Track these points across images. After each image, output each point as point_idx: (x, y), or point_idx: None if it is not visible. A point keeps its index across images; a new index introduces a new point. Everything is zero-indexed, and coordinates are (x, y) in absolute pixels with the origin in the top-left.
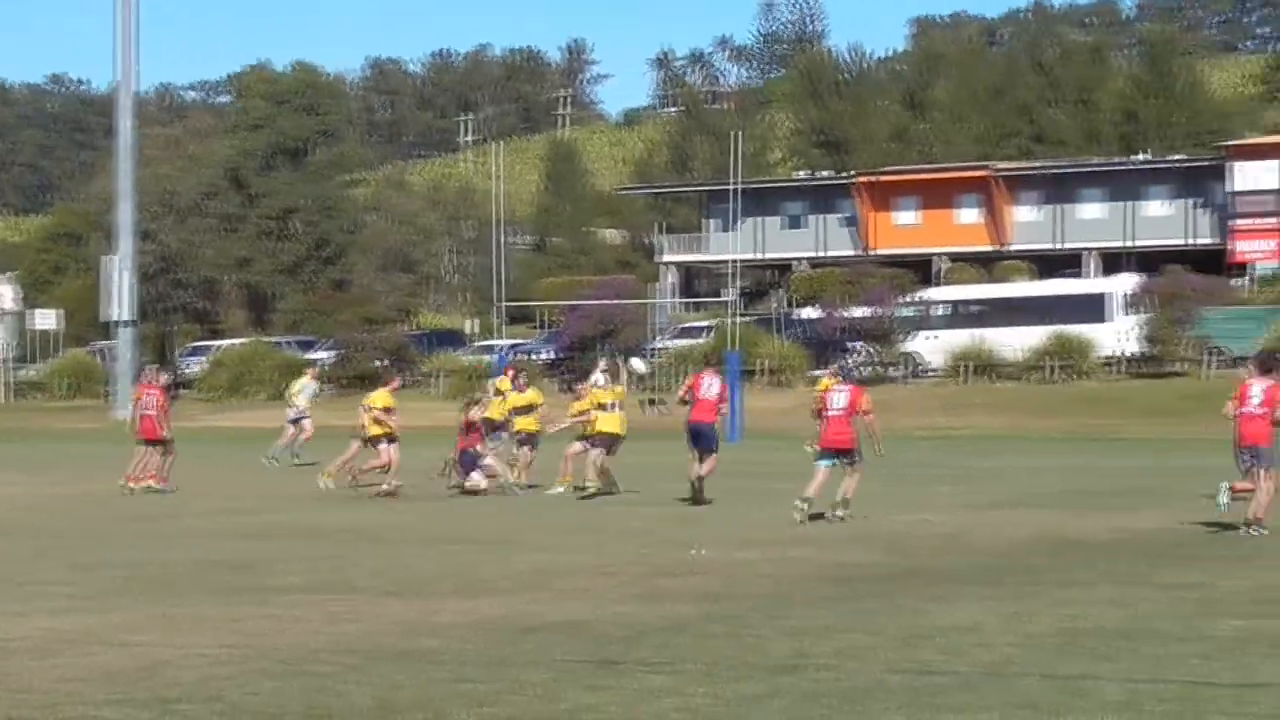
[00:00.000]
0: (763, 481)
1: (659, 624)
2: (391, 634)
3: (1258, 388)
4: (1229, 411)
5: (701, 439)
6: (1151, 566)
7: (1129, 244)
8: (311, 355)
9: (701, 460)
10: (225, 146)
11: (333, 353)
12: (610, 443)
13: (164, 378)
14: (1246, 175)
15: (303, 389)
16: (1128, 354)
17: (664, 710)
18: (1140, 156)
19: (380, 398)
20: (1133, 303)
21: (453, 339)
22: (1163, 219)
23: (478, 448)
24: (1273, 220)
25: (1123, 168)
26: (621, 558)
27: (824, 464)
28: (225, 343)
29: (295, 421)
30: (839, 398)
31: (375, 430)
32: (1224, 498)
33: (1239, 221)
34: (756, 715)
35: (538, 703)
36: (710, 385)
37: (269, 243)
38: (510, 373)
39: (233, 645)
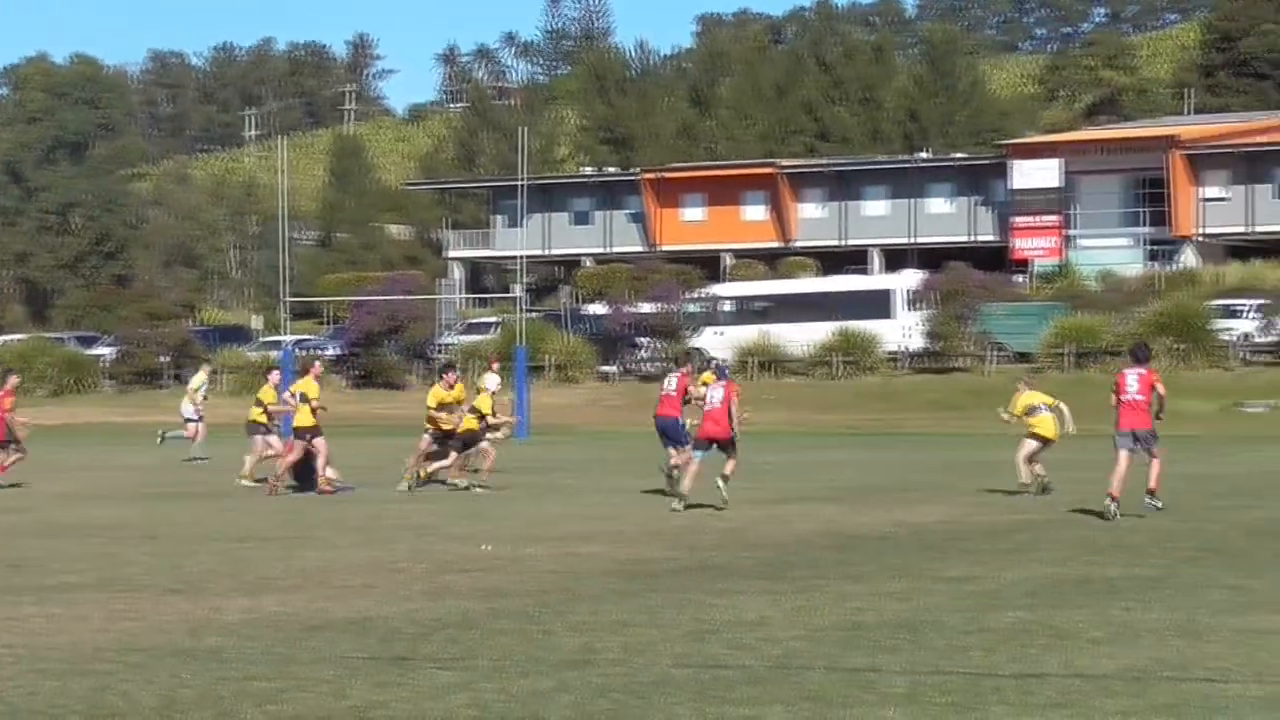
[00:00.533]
0: (551, 477)
1: (447, 620)
2: (175, 632)
3: (1133, 377)
4: (1113, 403)
5: (666, 435)
6: (934, 560)
7: (912, 241)
8: (95, 351)
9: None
10: (2, 140)
11: (114, 349)
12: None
13: (13, 380)
14: (1026, 173)
15: (200, 385)
16: (911, 349)
17: (453, 707)
18: (923, 154)
19: (306, 385)
20: (916, 299)
21: (237, 335)
22: (945, 216)
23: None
24: (1052, 218)
25: (906, 165)
26: (409, 554)
27: (699, 454)
28: (3, 339)
29: (192, 420)
30: (715, 394)
31: (257, 417)
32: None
33: (1019, 219)
34: (545, 710)
35: (325, 700)
36: (669, 381)
37: (49, 237)
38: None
39: (11, 645)
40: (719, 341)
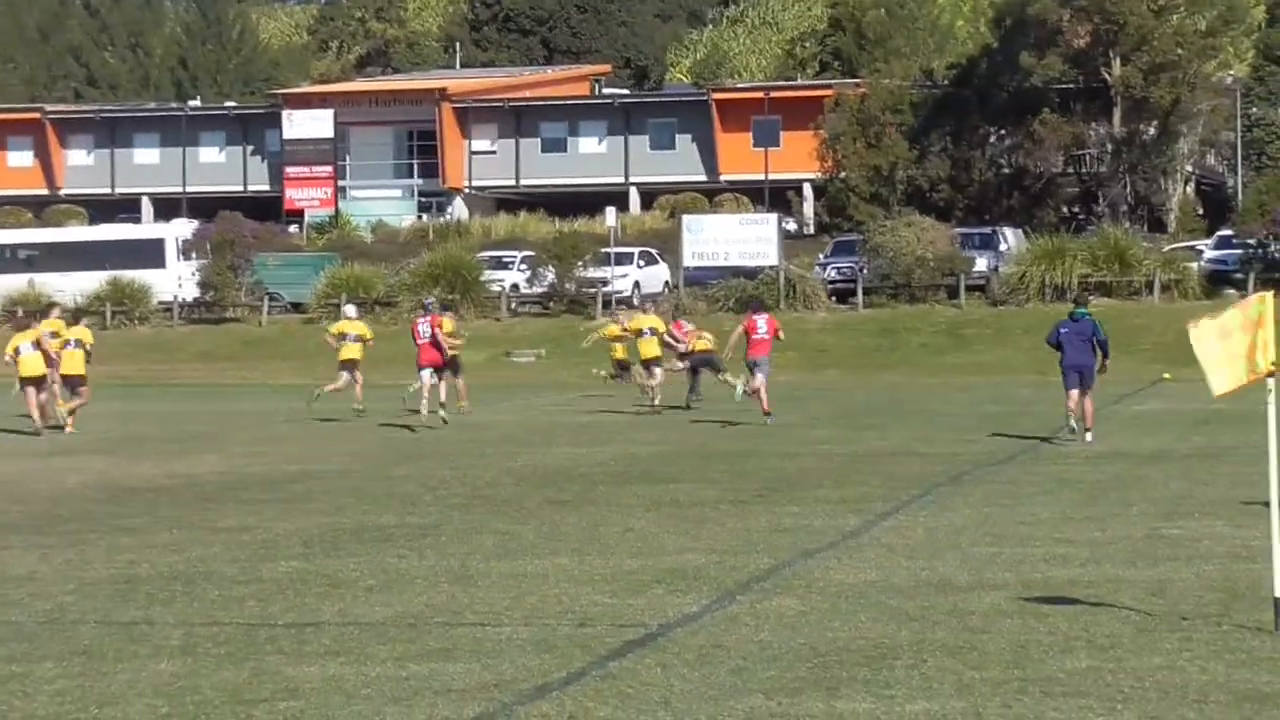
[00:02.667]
0: None
1: None
2: None
3: (762, 320)
4: (736, 337)
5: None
6: (209, 511)
7: (184, 190)
8: None
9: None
10: None
11: None
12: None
13: None
14: (298, 124)
15: None
16: (185, 300)
17: None
18: (194, 103)
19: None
20: (189, 249)
21: None
22: (218, 166)
23: None
24: (324, 169)
25: (177, 113)
26: None
27: (426, 374)
28: None
29: None
30: (424, 329)
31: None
32: (740, 390)
33: (292, 169)
34: None
35: None
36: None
37: None
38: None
39: None
40: None
